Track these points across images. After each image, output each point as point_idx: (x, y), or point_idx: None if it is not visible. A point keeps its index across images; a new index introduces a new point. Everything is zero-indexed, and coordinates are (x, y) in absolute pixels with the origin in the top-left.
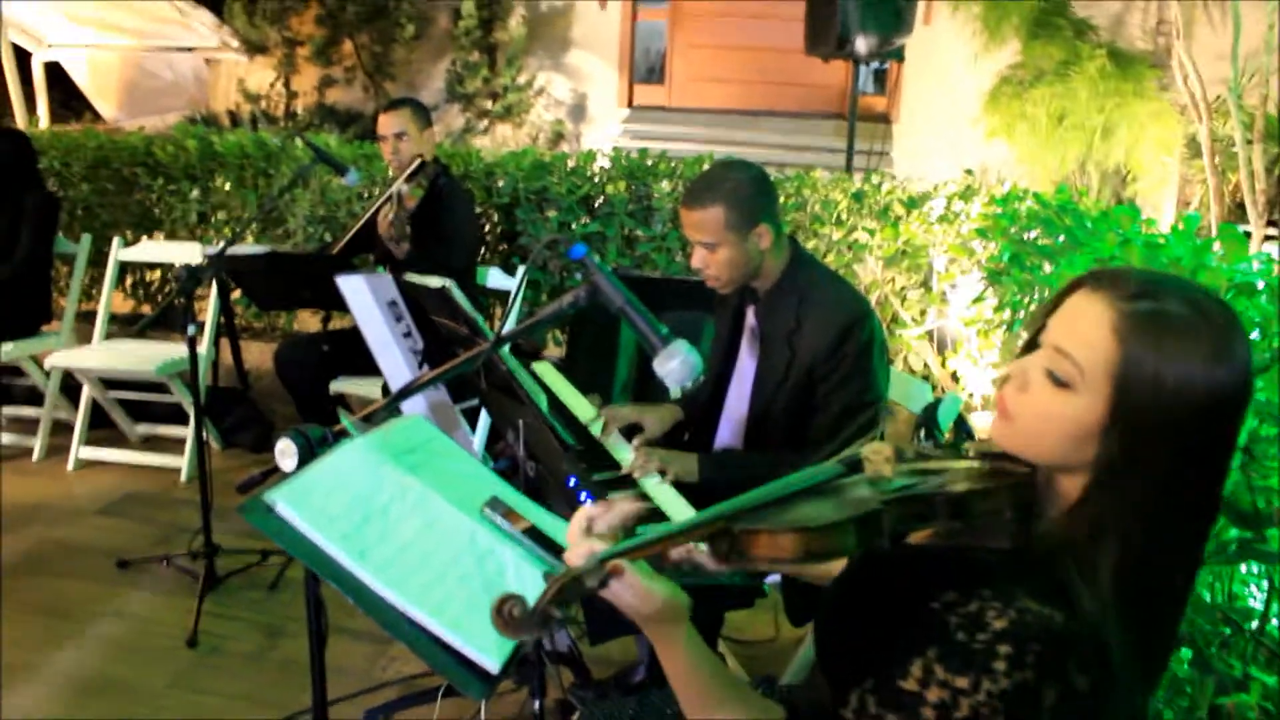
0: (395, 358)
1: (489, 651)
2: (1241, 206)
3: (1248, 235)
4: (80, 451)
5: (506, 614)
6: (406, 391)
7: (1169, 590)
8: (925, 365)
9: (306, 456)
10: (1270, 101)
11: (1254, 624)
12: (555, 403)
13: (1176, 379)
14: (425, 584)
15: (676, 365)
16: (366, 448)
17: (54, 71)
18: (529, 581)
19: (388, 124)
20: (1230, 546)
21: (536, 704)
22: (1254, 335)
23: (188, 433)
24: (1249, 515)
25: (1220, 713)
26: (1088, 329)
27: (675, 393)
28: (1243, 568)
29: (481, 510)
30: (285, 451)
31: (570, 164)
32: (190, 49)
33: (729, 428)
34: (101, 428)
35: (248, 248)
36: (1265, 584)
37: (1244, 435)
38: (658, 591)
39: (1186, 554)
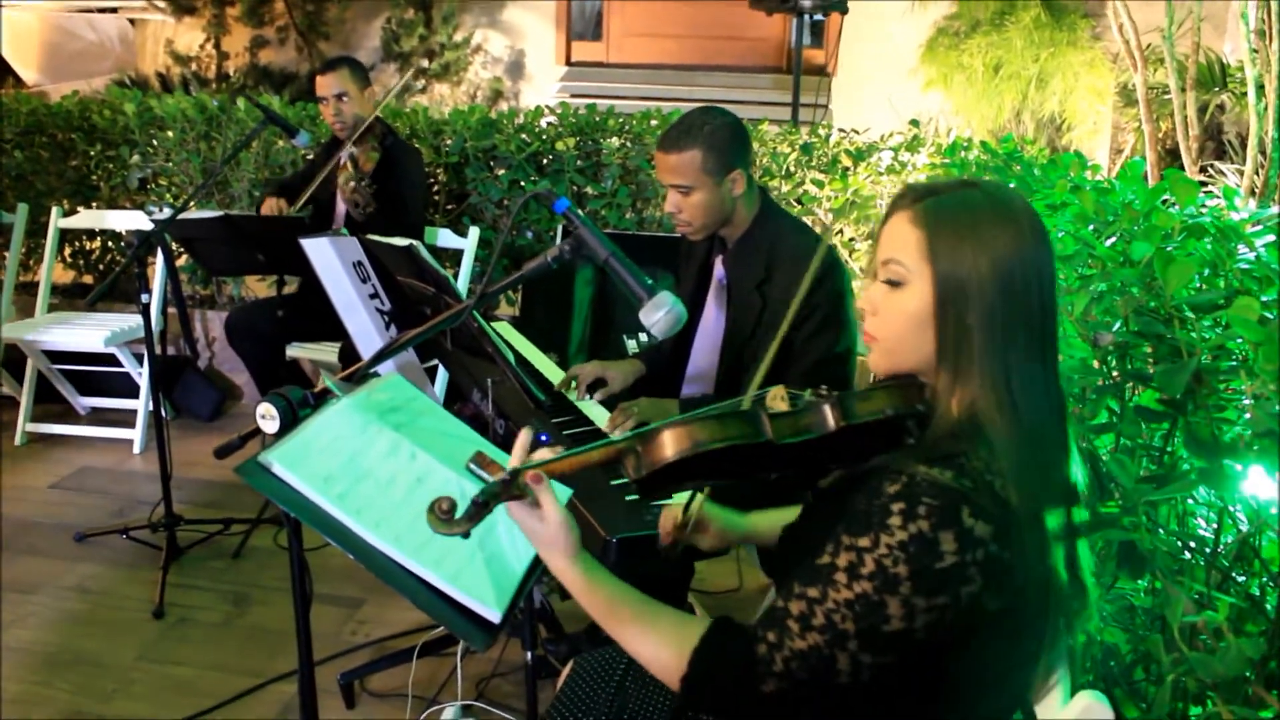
0: (363, 319)
1: (490, 602)
2: (1172, 153)
3: None
4: (27, 426)
5: (438, 510)
6: (387, 352)
7: (1049, 431)
8: None
9: (288, 418)
10: (1201, 49)
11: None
12: (519, 361)
13: (974, 237)
14: (423, 539)
15: (663, 316)
16: (353, 408)
17: None
18: (519, 530)
19: (327, 85)
20: (1190, 475)
21: (529, 655)
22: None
23: (137, 404)
24: (1207, 444)
25: (1185, 631)
26: (899, 234)
27: (632, 349)
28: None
29: (466, 465)
30: (267, 415)
31: (518, 120)
32: (114, 9)
33: (695, 380)
34: (46, 402)
35: (195, 212)
36: (1213, 514)
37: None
38: (558, 513)
39: (1046, 392)
